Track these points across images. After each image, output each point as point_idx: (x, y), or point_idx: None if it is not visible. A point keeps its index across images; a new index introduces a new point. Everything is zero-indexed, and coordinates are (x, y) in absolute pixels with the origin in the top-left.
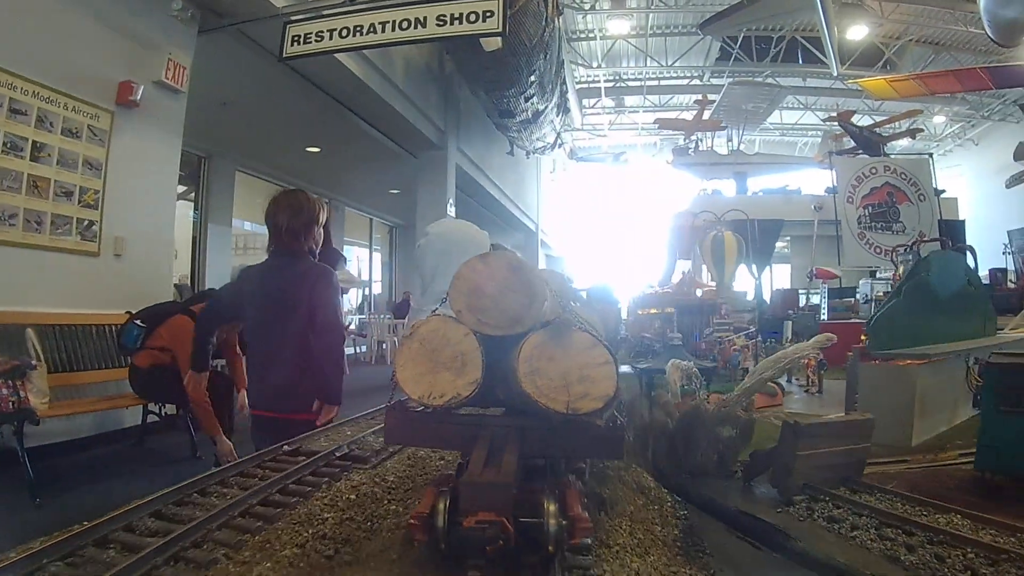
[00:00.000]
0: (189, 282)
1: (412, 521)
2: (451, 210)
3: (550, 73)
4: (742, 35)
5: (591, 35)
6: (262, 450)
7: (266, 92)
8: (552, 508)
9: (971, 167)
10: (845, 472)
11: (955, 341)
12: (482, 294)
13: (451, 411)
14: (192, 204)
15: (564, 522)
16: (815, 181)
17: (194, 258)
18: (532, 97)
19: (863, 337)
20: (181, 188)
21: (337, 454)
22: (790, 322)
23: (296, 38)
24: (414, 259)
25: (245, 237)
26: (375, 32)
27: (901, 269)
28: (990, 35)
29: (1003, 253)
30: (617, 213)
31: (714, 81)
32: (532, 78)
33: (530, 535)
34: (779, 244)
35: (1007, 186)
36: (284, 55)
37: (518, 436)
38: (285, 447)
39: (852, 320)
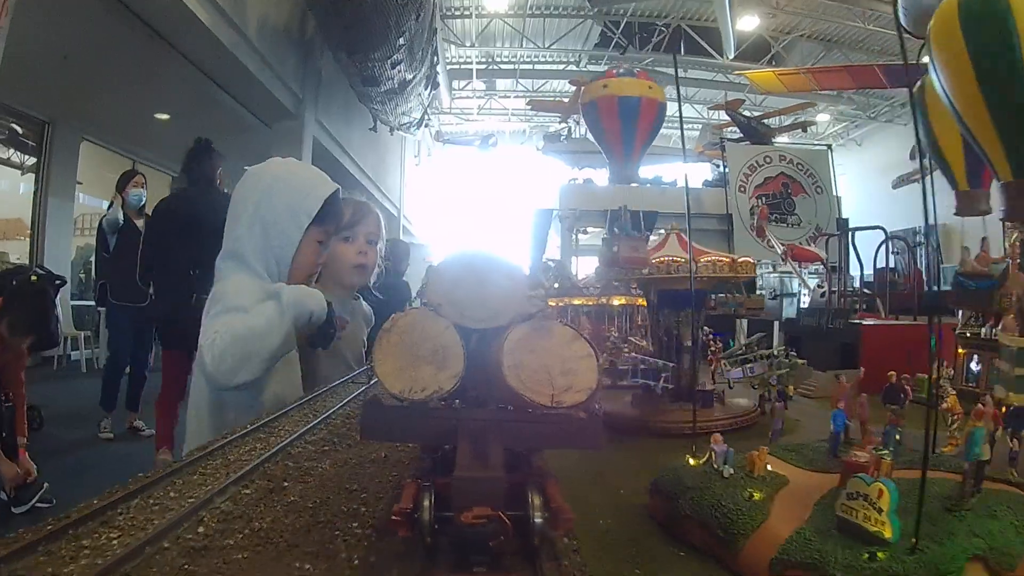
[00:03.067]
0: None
1: (395, 517)
2: None
3: (421, 39)
4: (624, 20)
5: (466, 12)
6: None
7: (110, 45)
8: (537, 501)
9: (854, 167)
10: None
11: None
12: (462, 287)
13: (431, 406)
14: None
15: (547, 514)
16: (691, 174)
17: (33, 237)
18: (400, 64)
19: None
20: (29, 161)
21: None
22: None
23: None
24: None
25: (92, 217)
26: None
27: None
28: (905, 25)
29: (892, 253)
30: (484, 200)
31: (591, 67)
32: (401, 41)
33: (516, 528)
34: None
35: (894, 186)
36: None
37: (501, 429)
38: None
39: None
